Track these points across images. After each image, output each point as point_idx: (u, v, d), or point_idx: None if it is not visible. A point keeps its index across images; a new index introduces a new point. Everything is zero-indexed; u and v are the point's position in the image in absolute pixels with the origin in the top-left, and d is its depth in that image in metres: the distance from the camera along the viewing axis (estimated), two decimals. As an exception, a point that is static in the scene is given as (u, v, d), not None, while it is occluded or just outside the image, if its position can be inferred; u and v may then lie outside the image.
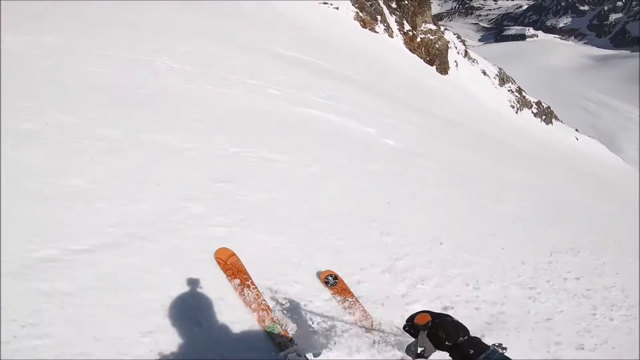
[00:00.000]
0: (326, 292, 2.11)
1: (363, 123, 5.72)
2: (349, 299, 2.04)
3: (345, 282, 2.19)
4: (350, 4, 28.71)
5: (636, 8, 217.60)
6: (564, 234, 4.60)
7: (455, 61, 37.89)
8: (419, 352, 0.94)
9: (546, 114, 44.84)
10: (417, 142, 6.42)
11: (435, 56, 34.20)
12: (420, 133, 7.65)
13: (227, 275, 1.85)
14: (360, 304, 2.05)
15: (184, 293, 1.71)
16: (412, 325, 0.99)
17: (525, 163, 11.29)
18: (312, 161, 3.62)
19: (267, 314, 1.74)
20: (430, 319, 0.94)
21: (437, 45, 34.72)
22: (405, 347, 1.01)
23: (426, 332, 0.94)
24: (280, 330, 1.68)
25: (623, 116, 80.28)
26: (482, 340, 0.90)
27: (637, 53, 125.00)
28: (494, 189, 5.74)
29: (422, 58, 33.32)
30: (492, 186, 5.89)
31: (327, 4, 26.16)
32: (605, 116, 79.53)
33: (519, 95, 42.98)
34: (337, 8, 26.70)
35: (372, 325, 1.94)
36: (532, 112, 43.34)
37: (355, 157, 4.38)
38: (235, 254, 1.98)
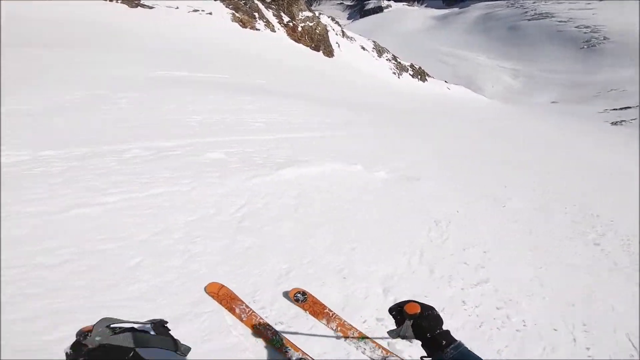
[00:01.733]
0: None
1: (346, 160, 4.84)
2: (325, 311, 2.07)
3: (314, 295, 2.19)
4: (223, 6, 26.83)
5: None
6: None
7: (337, 42, 39.42)
8: (401, 336, 0.97)
9: (420, 74, 50.79)
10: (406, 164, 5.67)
11: (319, 42, 34.91)
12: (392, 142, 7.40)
13: (223, 305, 1.93)
14: (333, 312, 2.08)
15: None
16: (400, 312, 1.01)
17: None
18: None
19: (268, 329, 1.84)
20: (419, 310, 0.96)
21: (317, 31, 35.43)
22: (388, 331, 1.01)
23: (412, 321, 0.96)
24: (283, 341, 1.79)
25: (473, 62, 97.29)
26: (450, 333, 0.96)
27: (465, 9, 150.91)
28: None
29: (307, 46, 33.65)
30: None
31: (198, 11, 23.87)
32: (459, 65, 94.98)
33: (396, 62, 47.49)
34: (211, 13, 24.64)
35: (351, 330, 1.99)
36: (410, 74, 48.55)
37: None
38: (224, 286, 2.04)
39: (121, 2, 19.30)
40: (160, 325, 0.79)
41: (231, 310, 1.90)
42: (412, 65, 49.95)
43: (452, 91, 48.35)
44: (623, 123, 44.22)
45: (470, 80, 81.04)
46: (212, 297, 1.97)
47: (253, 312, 1.91)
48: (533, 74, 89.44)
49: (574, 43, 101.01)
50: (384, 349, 1.88)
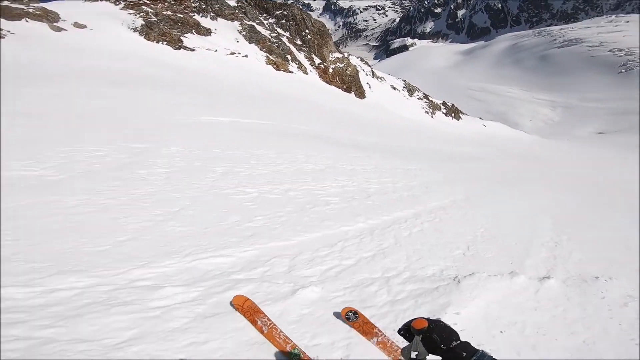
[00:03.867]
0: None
1: (496, 267, 3.57)
2: (373, 331, 2.10)
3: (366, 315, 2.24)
4: (257, 49, 27.76)
5: (472, 1, 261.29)
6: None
7: (368, 83, 39.57)
8: (413, 356, 0.98)
9: (453, 112, 49.78)
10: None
11: (350, 83, 35.07)
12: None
13: (246, 317, 1.98)
14: (382, 333, 2.11)
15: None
16: (407, 330, 1.02)
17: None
18: None
19: (287, 342, 1.86)
20: (427, 324, 0.96)
21: (348, 72, 35.77)
22: (400, 350, 1.03)
23: (421, 336, 0.96)
24: (300, 355, 1.80)
25: (506, 96, 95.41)
26: (470, 344, 0.93)
27: (491, 41, 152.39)
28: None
29: (339, 87, 33.84)
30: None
31: (235, 53, 24.69)
32: (491, 100, 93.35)
33: (427, 101, 46.95)
34: (246, 56, 25.39)
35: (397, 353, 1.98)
36: (443, 112, 47.67)
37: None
38: (249, 299, 2.11)
39: (166, 44, 20.36)
40: None
41: (253, 322, 1.93)
42: (444, 103, 49.27)
43: (490, 129, 46.56)
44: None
45: (505, 116, 78.99)
46: (237, 309, 2.03)
47: (274, 325, 1.94)
48: (572, 104, 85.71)
49: (611, 68, 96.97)
50: None
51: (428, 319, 0.97)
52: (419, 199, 5.49)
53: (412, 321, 0.97)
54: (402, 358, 1.72)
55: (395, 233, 3.91)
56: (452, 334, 0.94)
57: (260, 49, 28.11)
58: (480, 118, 53.19)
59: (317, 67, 32.94)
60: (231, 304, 2.06)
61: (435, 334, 0.93)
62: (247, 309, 2.01)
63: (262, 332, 1.91)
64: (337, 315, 2.24)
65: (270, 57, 27.90)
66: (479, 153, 17.09)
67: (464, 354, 0.88)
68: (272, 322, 1.98)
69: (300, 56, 32.67)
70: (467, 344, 0.92)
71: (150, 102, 8.24)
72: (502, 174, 10.82)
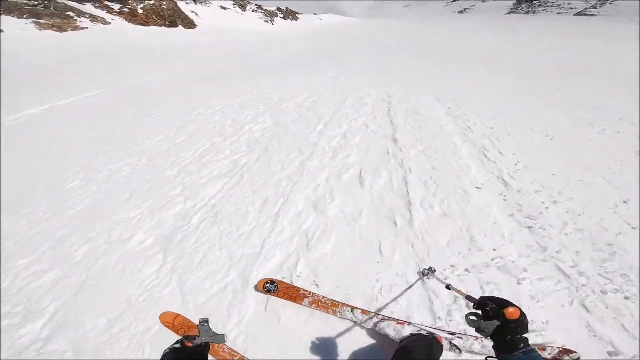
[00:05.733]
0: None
1: None
2: (299, 292, 1.79)
3: (284, 280, 1.91)
4: (15, 19, 18.26)
5: None
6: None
7: (192, 11, 32.38)
8: (480, 329, 0.84)
9: (290, 14, 46.47)
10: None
11: (172, 17, 27.73)
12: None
13: (180, 335, 1.64)
14: (311, 292, 1.80)
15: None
16: (495, 311, 0.84)
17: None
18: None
19: (233, 354, 1.57)
20: (518, 317, 0.82)
21: (164, 7, 27.96)
22: (468, 317, 0.87)
23: (501, 323, 0.83)
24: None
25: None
26: (528, 340, 0.83)
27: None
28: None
29: (160, 25, 26.46)
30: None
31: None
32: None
33: (262, 10, 42.20)
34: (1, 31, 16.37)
35: (332, 304, 1.73)
36: (280, 17, 44.01)
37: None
38: (179, 314, 1.75)
39: None
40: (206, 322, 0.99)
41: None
42: (278, 8, 45.29)
43: (326, 21, 45.73)
44: (466, 10, 49.19)
45: (334, 7, 79.58)
46: (167, 327, 1.70)
47: None
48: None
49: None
50: (372, 312, 1.67)
51: (521, 311, 0.83)
52: (438, 136, 3.65)
53: (505, 306, 0.82)
54: (342, 312, 1.63)
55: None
56: (525, 329, 0.82)
57: (19, 17, 18.74)
58: (314, 14, 51.56)
59: (120, 13, 24.56)
60: (160, 321, 1.63)
61: (512, 325, 0.80)
62: (180, 326, 1.64)
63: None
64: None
65: (42, 22, 19.03)
66: (345, 46, 15.49)
67: (521, 344, 0.79)
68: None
69: (88, 7, 23.50)
70: (526, 339, 0.81)
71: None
72: (410, 67, 8.53)
